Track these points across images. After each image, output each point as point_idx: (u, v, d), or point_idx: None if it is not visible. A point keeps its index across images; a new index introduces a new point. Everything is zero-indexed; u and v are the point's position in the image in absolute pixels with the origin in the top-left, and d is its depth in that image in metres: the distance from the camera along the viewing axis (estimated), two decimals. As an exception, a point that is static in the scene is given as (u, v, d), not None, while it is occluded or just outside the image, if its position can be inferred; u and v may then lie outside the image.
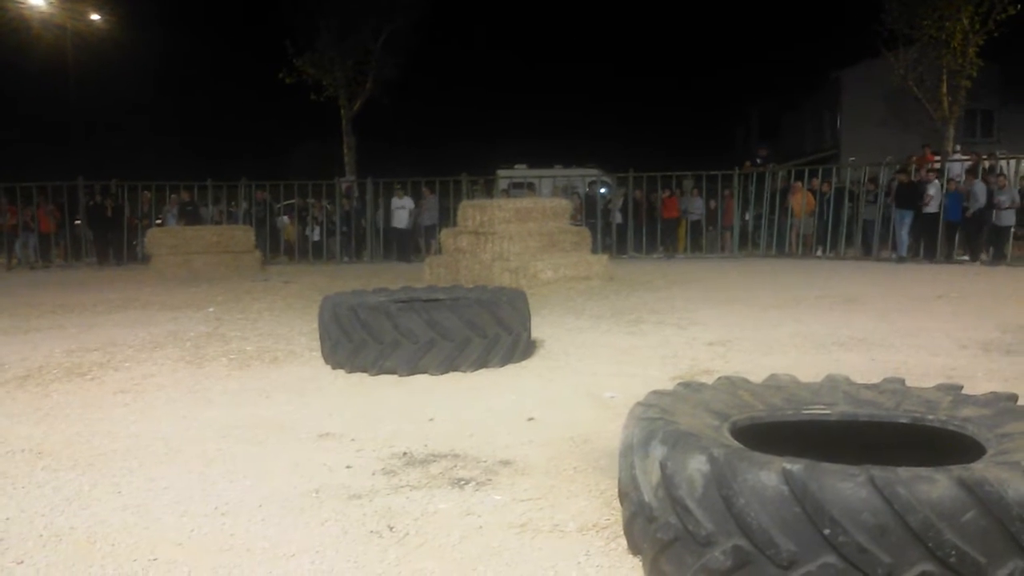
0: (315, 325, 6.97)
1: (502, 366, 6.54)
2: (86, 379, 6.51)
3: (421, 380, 6.16)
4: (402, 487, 3.94)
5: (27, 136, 21.58)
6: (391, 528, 3.43)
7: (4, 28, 22.20)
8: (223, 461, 4.40)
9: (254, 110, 25.19)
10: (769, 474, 2.31)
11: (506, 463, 4.24)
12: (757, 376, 3.73)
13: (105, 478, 4.17)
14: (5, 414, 5.48)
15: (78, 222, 18.36)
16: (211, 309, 10.14)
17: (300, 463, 4.34)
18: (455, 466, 4.23)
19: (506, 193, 20.64)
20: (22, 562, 3.20)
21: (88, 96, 23.63)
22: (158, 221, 18.35)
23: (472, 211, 13.34)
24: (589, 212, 20.12)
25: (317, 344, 6.93)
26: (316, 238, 20.08)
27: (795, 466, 2.29)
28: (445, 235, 13.86)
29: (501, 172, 22.97)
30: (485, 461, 4.28)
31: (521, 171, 23.22)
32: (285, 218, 20.47)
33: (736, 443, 2.69)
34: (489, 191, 21.33)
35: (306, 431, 4.93)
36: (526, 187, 21.45)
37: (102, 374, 6.68)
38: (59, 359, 7.25)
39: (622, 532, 3.09)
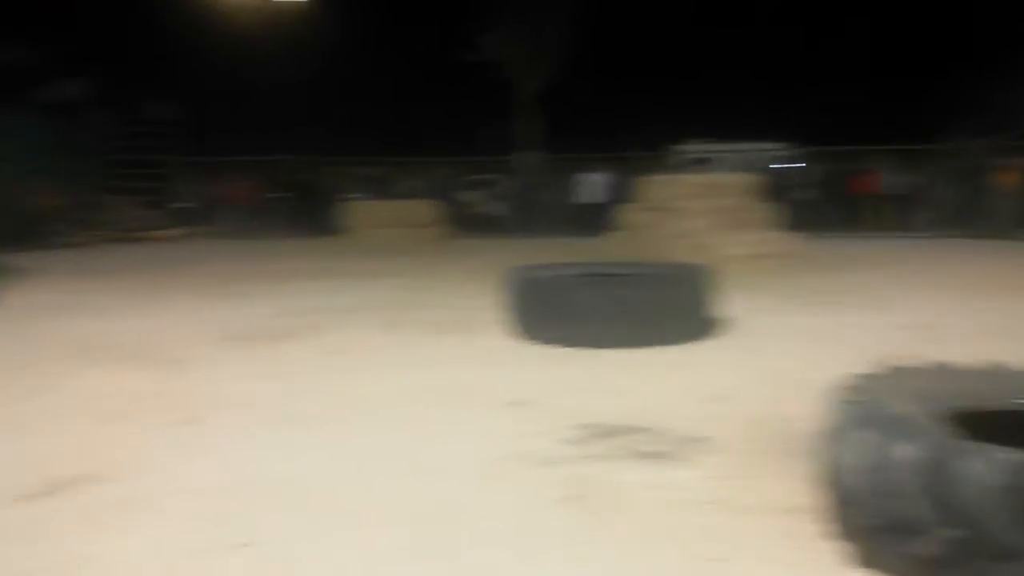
0: (501, 297, 7.16)
1: (686, 343, 6.49)
2: (292, 341, 6.99)
3: (606, 354, 6.19)
4: (589, 457, 4.02)
5: (226, 113, 23.13)
6: (581, 496, 3.51)
7: (204, 10, 23.78)
8: (420, 424, 4.64)
9: (439, 87, 25.84)
10: (987, 464, 2.21)
11: (693, 440, 4.23)
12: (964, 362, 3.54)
13: (313, 435, 4.49)
14: (220, 373, 5.98)
15: (277, 195, 19.56)
16: (402, 280, 10.60)
17: (491, 429, 4.50)
18: (642, 440, 4.26)
19: (688, 168, 20.30)
20: (244, 509, 3.52)
21: (281, 75, 24.99)
22: (352, 196, 19.26)
23: (654, 186, 13.22)
24: (777, 188, 19.45)
25: (504, 316, 7.12)
26: (498, 213, 20.51)
27: (1016, 456, 2.19)
28: (626, 211, 13.81)
29: (683, 147, 22.57)
30: (672, 437, 4.29)
31: (705, 146, 22.72)
32: (468, 193, 21.02)
33: (949, 430, 2.59)
34: (671, 166, 21.03)
35: (496, 398, 5.10)
36: (709, 162, 21.00)
37: (310, 336, 7.14)
38: (266, 322, 7.80)
39: (817, 516, 3.04)
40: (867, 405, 2.65)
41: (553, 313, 6.40)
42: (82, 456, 4.21)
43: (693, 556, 2.95)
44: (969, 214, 18.27)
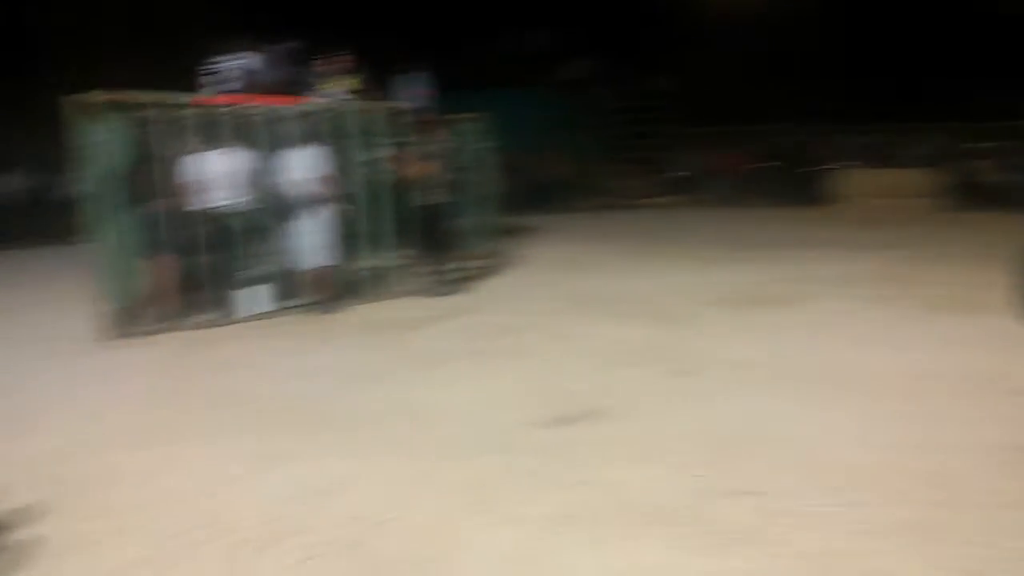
0: (1015, 277, 6.46)
1: None
2: (780, 308, 7.06)
3: None
4: None
5: (721, 83, 23.48)
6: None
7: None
8: (926, 402, 4.47)
9: (942, 47, 23.59)
10: None
11: None
12: None
13: (812, 399, 4.58)
14: (713, 332, 6.28)
15: (767, 164, 19.44)
16: (896, 252, 10.01)
17: (1001, 416, 4.18)
18: None
19: None
20: (747, 457, 3.74)
21: (774, 43, 24.66)
22: (845, 164, 18.51)
23: None
24: None
25: (1018, 297, 6.41)
26: (1007, 184, 18.20)
27: None
28: None
29: None
30: None
31: None
32: (974, 162, 18.94)
33: None
34: None
35: (1008, 385, 4.69)
36: None
37: (801, 304, 7.16)
38: (755, 288, 7.93)
39: None
40: None
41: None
42: (595, 394, 4.80)
43: None
44: None
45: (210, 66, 7.79)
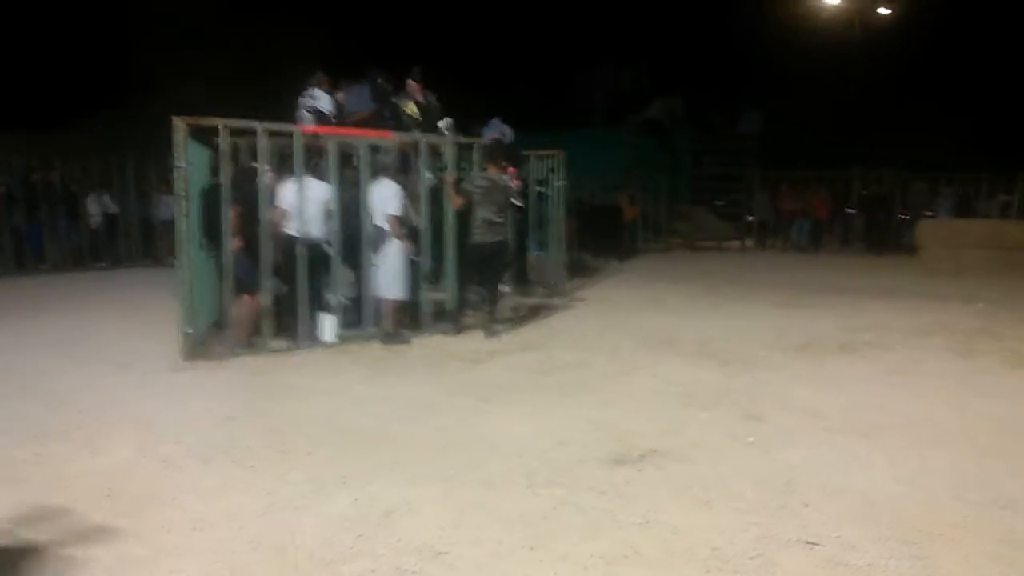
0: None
1: None
2: (857, 356, 6.88)
3: None
4: None
5: (804, 126, 23.22)
6: None
7: (787, 27, 24.19)
8: (1000, 455, 4.29)
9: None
10: None
11: None
12: None
13: (878, 449, 4.42)
14: (782, 378, 6.14)
15: (850, 211, 19.03)
16: (980, 305, 9.67)
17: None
18: None
19: None
20: (808, 505, 3.63)
21: (858, 88, 24.37)
22: (929, 213, 18.02)
23: None
24: None
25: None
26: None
27: None
28: None
29: None
30: None
31: None
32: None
33: None
34: None
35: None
36: None
37: (872, 353, 6.97)
38: (832, 335, 7.76)
39: None
40: None
41: None
42: (659, 434, 4.72)
43: None
44: None
45: (303, 98, 8.00)
